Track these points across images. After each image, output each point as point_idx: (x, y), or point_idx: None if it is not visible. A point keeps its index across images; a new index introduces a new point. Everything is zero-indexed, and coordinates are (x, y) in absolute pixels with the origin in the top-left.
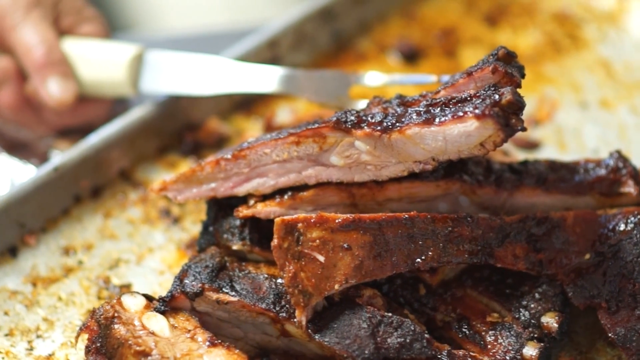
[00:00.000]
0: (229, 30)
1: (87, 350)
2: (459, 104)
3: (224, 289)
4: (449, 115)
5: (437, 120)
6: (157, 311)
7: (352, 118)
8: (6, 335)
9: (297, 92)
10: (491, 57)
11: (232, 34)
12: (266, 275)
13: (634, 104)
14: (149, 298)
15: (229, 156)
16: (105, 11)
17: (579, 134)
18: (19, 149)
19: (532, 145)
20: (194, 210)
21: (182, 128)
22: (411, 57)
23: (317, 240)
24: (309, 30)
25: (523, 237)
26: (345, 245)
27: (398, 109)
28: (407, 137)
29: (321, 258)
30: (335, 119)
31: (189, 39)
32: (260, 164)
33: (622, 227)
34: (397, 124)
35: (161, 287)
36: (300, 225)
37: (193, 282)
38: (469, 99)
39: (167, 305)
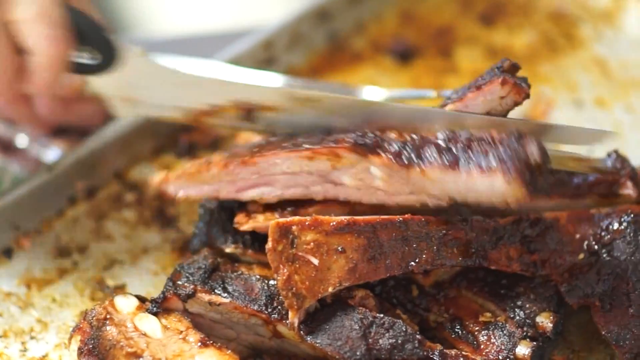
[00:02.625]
0: (224, 31)
1: (80, 352)
2: (482, 147)
3: (216, 291)
4: (476, 167)
5: (462, 166)
6: (149, 312)
7: (369, 142)
8: (0, 336)
9: None
10: (497, 69)
11: (228, 35)
12: (258, 277)
13: (630, 103)
14: (141, 299)
15: (239, 161)
16: (99, 12)
17: None
18: (14, 150)
19: None
20: (189, 211)
21: (177, 129)
22: (406, 56)
23: (312, 243)
24: (304, 30)
25: (517, 238)
26: (339, 248)
27: (415, 137)
28: (427, 177)
29: (315, 261)
30: (353, 140)
31: (183, 40)
32: (269, 172)
33: (615, 226)
34: (418, 161)
35: (155, 288)
36: (294, 228)
37: (185, 284)
38: (491, 144)
39: (159, 307)
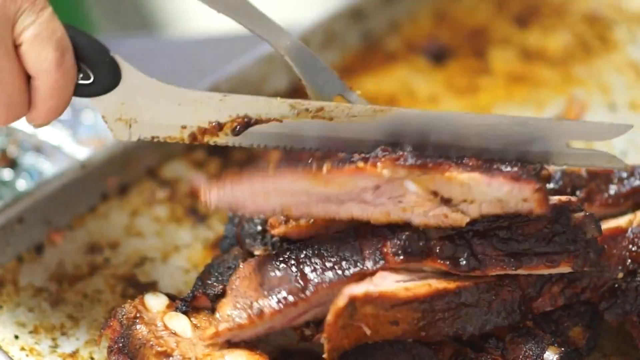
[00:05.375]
0: None
1: (110, 350)
2: (542, 234)
3: None
4: (540, 259)
5: (524, 262)
6: (179, 311)
7: (415, 250)
8: (30, 332)
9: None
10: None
11: None
12: None
13: None
14: (171, 297)
15: (292, 300)
16: (133, 11)
17: None
18: (47, 147)
19: None
20: (221, 210)
21: None
22: (440, 57)
23: (369, 316)
24: (338, 29)
25: (559, 275)
26: (394, 321)
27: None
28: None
29: (368, 331)
30: (401, 252)
31: (217, 39)
32: (320, 302)
33: None
34: (479, 267)
35: (187, 286)
36: (357, 303)
37: (215, 283)
38: (550, 232)
39: (188, 306)
